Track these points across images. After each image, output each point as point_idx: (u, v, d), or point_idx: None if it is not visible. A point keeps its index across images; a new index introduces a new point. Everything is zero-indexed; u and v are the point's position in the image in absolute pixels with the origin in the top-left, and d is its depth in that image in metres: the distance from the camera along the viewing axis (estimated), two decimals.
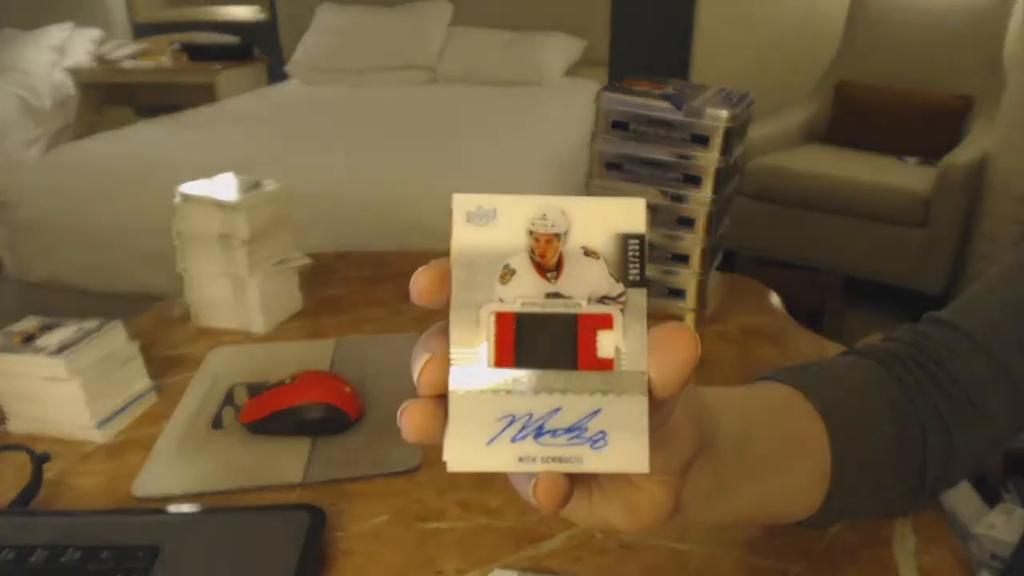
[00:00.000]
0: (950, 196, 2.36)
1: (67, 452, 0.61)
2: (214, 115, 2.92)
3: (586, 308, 0.25)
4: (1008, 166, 2.28)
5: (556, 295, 0.26)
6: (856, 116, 2.87)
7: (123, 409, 0.65)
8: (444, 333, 0.25)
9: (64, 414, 0.62)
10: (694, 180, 0.78)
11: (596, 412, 0.25)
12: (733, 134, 0.76)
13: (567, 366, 0.25)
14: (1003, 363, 0.45)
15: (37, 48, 4.09)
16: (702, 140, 0.76)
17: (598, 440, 0.25)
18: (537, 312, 0.25)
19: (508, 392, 0.25)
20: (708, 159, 0.76)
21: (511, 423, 0.25)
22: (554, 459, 0.25)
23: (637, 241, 0.26)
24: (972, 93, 2.71)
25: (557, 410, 0.25)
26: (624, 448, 0.25)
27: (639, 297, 0.25)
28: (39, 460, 0.56)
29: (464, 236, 0.26)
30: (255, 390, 0.64)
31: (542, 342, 0.25)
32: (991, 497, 1.54)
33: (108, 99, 4.19)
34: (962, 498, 1.54)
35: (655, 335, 0.25)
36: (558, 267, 0.26)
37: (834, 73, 3.01)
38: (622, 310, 0.25)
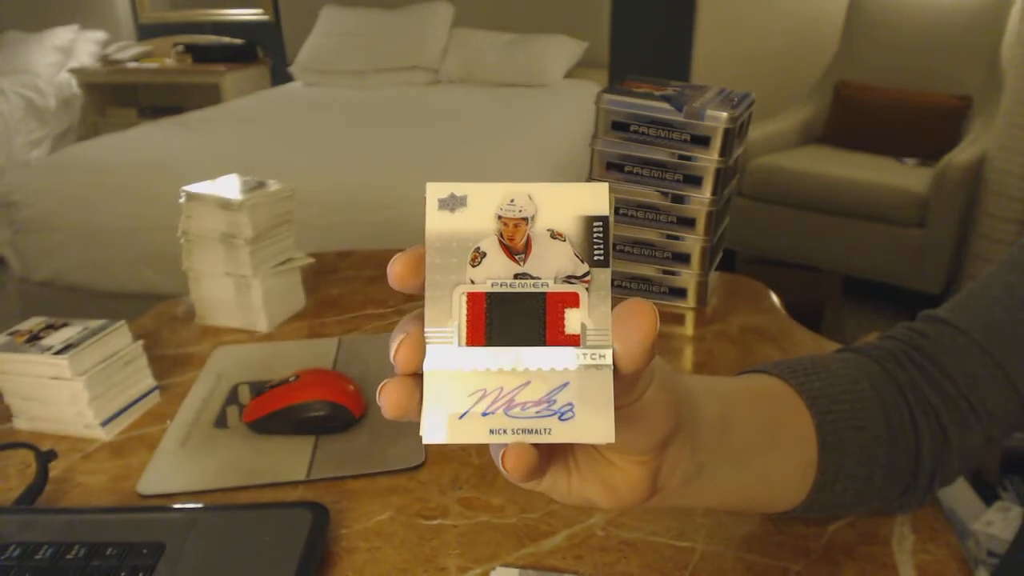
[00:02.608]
0: (948, 196, 2.36)
1: (72, 450, 0.61)
2: (218, 116, 2.93)
3: (553, 287, 0.26)
4: (1006, 167, 2.28)
5: (525, 276, 0.27)
6: (855, 117, 2.87)
7: (127, 408, 0.65)
8: (421, 318, 0.26)
9: (68, 413, 0.62)
10: (694, 181, 0.78)
11: (564, 386, 0.26)
12: (733, 135, 0.76)
13: (536, 342, 0.26)
14: (998, 360, 0.45)
15: (42, 49, 4.10)
16: (702, 141, 0.76)
17: (566, 412, 0.26)
18: (506, 292, 0.26)
19: (479, 369, 0.26)
20: (708, 160, 0.77)
21: (482, 397, 0.26)
22: (523, 431, 0.26)
23: (601, 223, 0.27)
24: (970, 94, 2.71)
25: (526, 384, 0.26)
26: (590, 419, 0.26)
27: (603, 276, 0.27)
28: (45, 458, 0.56)
29: (437, 221, 0.27)
30: (258, 389, 0.65)
31: (512, 320, 0.26)
32: (988, 495, 1.55)
33: (112, 100, 4.20)
34: (959, 496, 1.54)
35: (618, 312, 0.26)
36: (526, 249, 0.27)
37: (833, 74, 3.02)
38: (587, 289, 0.26)
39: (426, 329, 0.26)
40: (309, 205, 1.78)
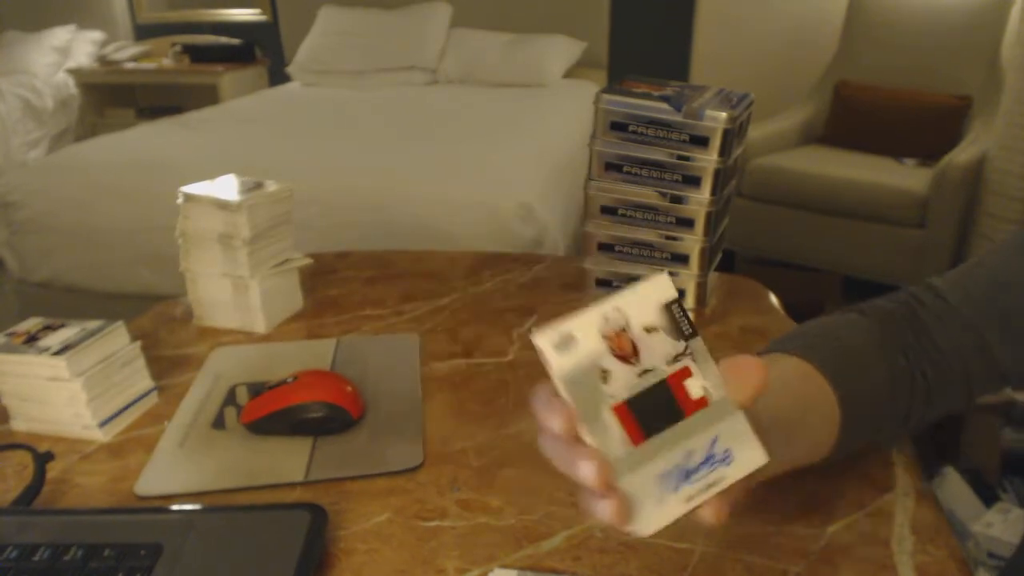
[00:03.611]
0: (948, 197, 2.36)
1: (69, 451, 0.61)
2: (216, 117, 2.92)
3: (668, 370, 0.33)
4: (1006, 167, 2.29)
5: (645, 371, 0.33)
6: (855, 117, 2.87)
7: (125, 409, 0.65)
8: (576, 439, 0.32)
9: (66, 414, 0.62)
10: (693, 181, 0.78)
11: (715, 439, 0.33)
12: (732, 135, 0.76)
13: (679, 418, 0.33)
14: (981, 335, 0.52)
15: (40, 50, 4.10)
16: (701, 141, 0.76)
17: (727, 457, 0.33)
18: (639, 392, 0.32)
19: (652, 459, 0.32)
20: (707, 160, 0.77)
21: (666, 480, 0.33)
22: (708, 487, 0.33)
23: (676, 304, 0.33)
24: (970, 94, 2.71)
25: (690, 453, 0.33)
26: (747, 453, 0.34)
27: (697, 343, 0.33)
28: (42, 459, 0.56)
29: (561, 364, 0.32)
30: (256, 390, 0.64)
31: (654, 411, 0.33)
32: (988, 496, 1.55)
33: (110, 101, 4.20)
34: (959, 498, 1.54)
35: (728, 366, 0.34)
36: (635, 351, 0.33)
37: (833, 74, 3.02)
38: (692, 359, 0.33)
39: (602, 450, 0.32)
40: (307, 206, 1.77)
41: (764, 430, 0.37)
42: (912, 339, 0.52)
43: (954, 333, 0.52)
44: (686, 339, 0.33)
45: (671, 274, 0.83)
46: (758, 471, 0.35)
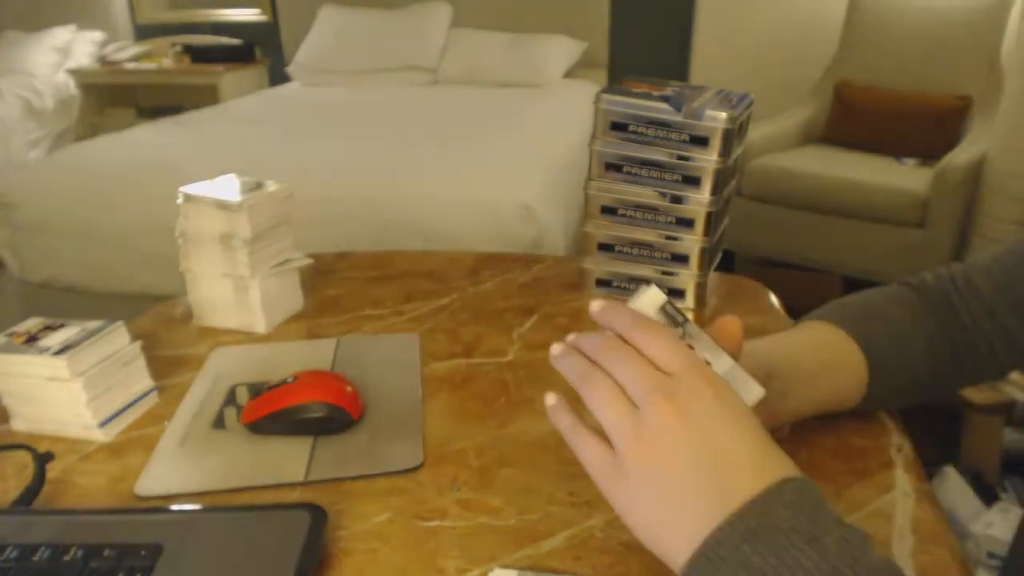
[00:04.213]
0: (948, 197, 2.36)
1: (69, 451, 0.61)
2: (216, 117, 2.93)
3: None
4: (1006, 167, 2.29)
5: None
6: (855, 117, 2.87)
7: (125, 409, 0.65)
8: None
9: (66, 414, 0.62)
10: (693, 181, 0.78)
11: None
12: (732, 135, 0.76)
13: None
14: (1004, 323, 0.57)
15: (40, 50, 4.10)
16: (701, 142, 0.76)
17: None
18: None
19: None
20: (707, 160, 0.77)
21: None
22: None
23: (668, 303, 0.43)
24: (970, 94, 2.71)
25: None
26: (749, 390, 0.42)
27: (690, 326, 0.43)
28: (42, 459, 0.56)
29: None
30: (257, 390, 0.64)
31: None
32: (988, 496, 1.55)
33: (110, 101, 4.20)
34: (960, 497, 1.54)
35: (715, 329, 0.45)
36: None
37: (833, 74, 3.02)
38: (690, 338, 0.42)
39: None
40: (308, 206, 1.77)
41: (782, 377, 0.50)
42: (947, 316, 0.59)
43: (982, 321, 0.58)
44: (681, 326, 0.42)
45: (671, 274, 0.83)
46: (782, 409, 0.51)
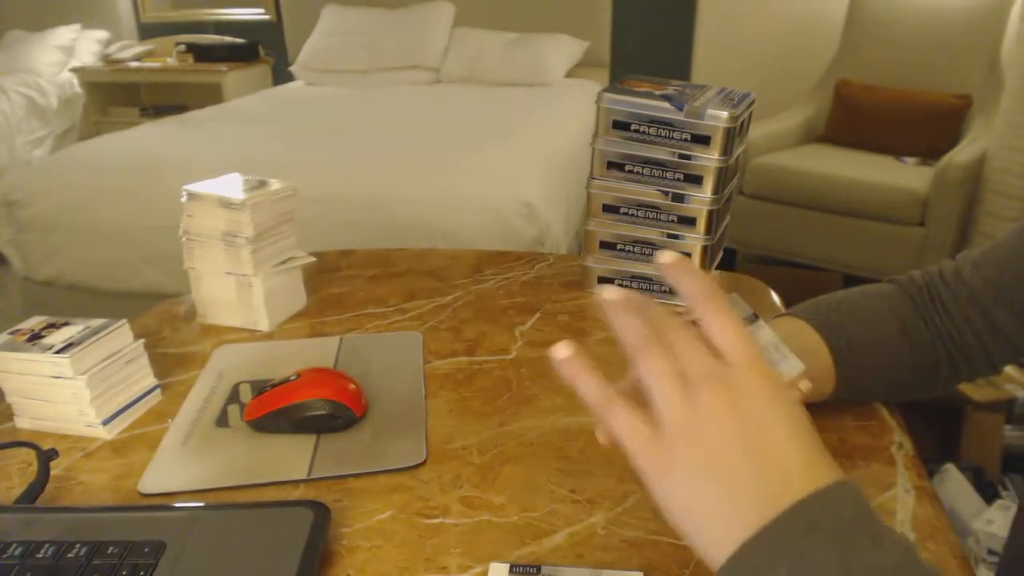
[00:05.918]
0: (948, 196, 2.36)
1: (73, 449, 0.61)
2: (219, 115, 2.93)
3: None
4: (1006, 166, 2.28)
5: None
6: (855, 116, 2.87)
7: (128, 407, 0.65)
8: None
9: (70, 412, 0.62)
10: (695, 180, 0.78)
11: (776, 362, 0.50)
12: (734, 134, 0.76)
13: None
14: (993, 316, 0.58)
15: (44, 49, 4.11)
16: (703, 140, 0.76)
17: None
18: None
19: None
20: (709, 159, 0.77)
21: None
22: None
23: (747, 318, 0.50)
24: (971, 93, 2.71)
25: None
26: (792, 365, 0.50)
27: (752, 327, 0.50)
28: (46, 457, 0.56)
29: None
30: (260, 388, 0.65)
31: None
32: (989, 493, 1.55)
33: (114, 100, 4.21)
34: (960, 495, 1.54)
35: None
36: None
37: (833, 73, 3.02)
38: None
39: None
40: (311, 204, 1.77)
41: None
42: (932, 311, 0.60)
43: (971, 317, 0.58)
44: (751, 323, 0.50)
45: None
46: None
